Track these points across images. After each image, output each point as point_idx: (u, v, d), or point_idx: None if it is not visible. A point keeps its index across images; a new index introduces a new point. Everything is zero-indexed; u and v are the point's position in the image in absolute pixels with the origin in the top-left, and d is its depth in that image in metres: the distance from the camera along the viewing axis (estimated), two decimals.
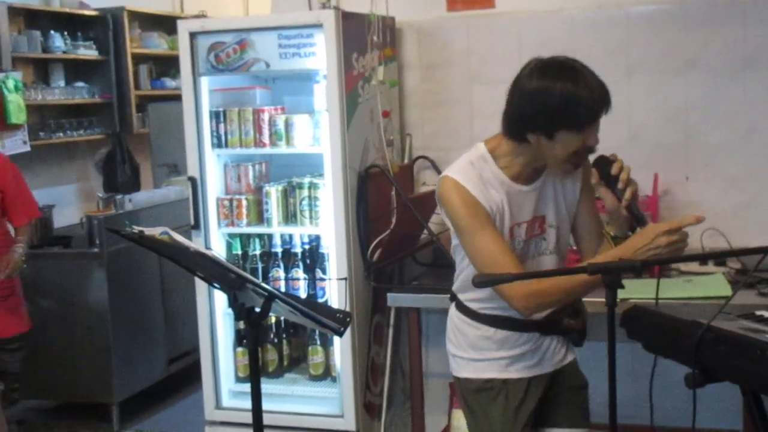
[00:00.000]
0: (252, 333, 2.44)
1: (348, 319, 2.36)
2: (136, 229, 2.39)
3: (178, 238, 2.34)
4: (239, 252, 4.43)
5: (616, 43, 4.23)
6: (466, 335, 2.80)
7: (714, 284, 3.65)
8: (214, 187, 4.38)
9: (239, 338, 2.49)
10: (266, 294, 2.33)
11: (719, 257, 3.88)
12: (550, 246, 2.74)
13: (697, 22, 4.11)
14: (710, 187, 4.16)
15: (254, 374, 2.51)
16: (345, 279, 3.98)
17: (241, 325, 2.45)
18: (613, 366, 2.35)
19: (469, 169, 2.63)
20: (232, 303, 2.46)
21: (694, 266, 3.97)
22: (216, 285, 2.60)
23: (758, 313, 2.59)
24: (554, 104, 2.46)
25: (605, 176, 2.59)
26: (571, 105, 2.45)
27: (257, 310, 2.45)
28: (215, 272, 2.48)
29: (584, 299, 2.83)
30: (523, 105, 2.54)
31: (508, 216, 2.64)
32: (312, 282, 4.35)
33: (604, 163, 2.60)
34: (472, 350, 2.79)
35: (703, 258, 3.71)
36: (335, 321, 2.36)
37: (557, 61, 2.54)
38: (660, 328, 2.47)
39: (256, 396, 2.48)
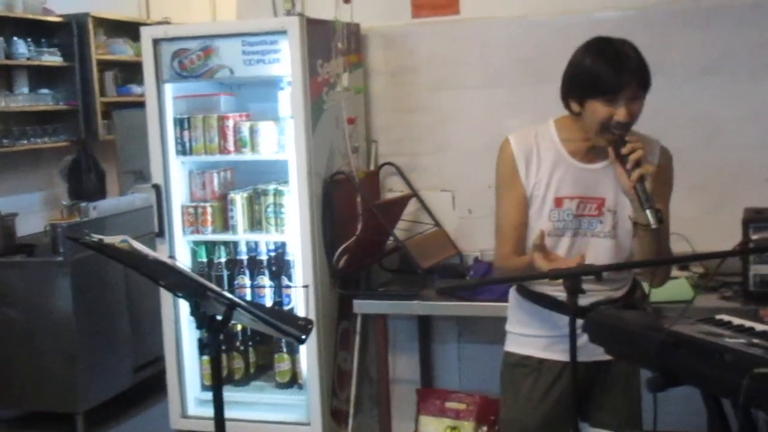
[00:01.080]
0: (214, 341, 2.42)
1: (309, 327, 2.35)
2: (96, 237, 2.36)
3: (138, 246, 2.32)
4: (204, 259, 4.41)
5: None
6: (516, 311, 2.91)
7: (677, 289, 3.67)
8: (178, 195, 4.36)
9: (200, 347, 2.46)
10: (227, 302, 2.31)
11: (682, 262, 3.91)
12: (606, 229, 2.77)
13: (659, 29, 4.14)
14: (674, 192, 4.17)
15: (216, 383, 2.49)
16: (306, 287, 3.97)
17: (203, 333, 2.43)
18: (574, 370, 2.36)
19: (529, 134, 2.80)
20: (194, 311, 2.44)
21: None
22: (177, 293, 2.58)
23: (718, 317, 2.60)
24: (581, 71, 2.64)
25: (619, 156, 2.62)
26: (593, 73, 2.60)
27: (219, 318, 2.43)
28: (176, 280, 2.46)
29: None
30: (565, 73, 2.74)
31: (555, 186, 2.74)
32: (278, 289, 4.33)
33: (621, 142, 2.62)
34: (518, 325, 2.90)
35: (665, 263, 3.73)
36: (297, 328, 2.35)
37: (602, 37, 2.70)
38: (621, 333, 2.47)
39: (219, 405, 2.46)
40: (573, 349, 2.35)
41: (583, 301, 2.62)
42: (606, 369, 2.84)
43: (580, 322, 2.57)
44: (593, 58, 2.63)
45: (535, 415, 2.87)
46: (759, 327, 2.47)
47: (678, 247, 4.03)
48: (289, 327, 2.34)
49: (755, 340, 2.28)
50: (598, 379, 2.87)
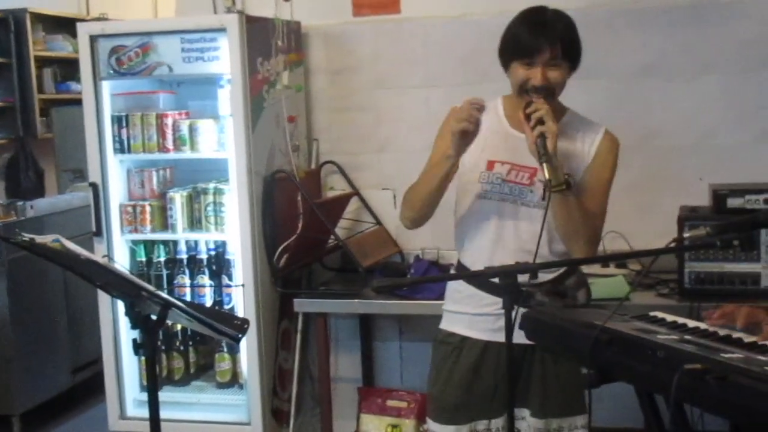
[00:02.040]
0: (149, 341, 2.40)
1: (246, 326, 2.33)
2: (27, 236, 2.32)
3: (71, 246, 2.29)
4: (143, 259, 4.36)
5: None
6: (451, 286, 2.96)
7: (615, 286, 3.71)
8: (117, 193, 4.30)
9: (135, 347, 2.43)
10: (161, 302, 2.29)
11: (617, 259, 3.97)
12: (535, 199, 2.78)
13: (598, 30, 4.18)
14: (612, 190, 4.23)
15: (152, 384, 2.46)
16: (242, 286, 3.95)
17: (137, 334, 2.40)
18: (510, 367, 2.37)
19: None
20: (129, 311, 2.41)
21: (596, 268, 4.04)
22: (112, 293, 2.55)
23: (652, 314, 2.64)
24: (507, 34, 2.78)
25: (526, 116, 2.67)
26: (515, 34, 2.73)
27: (154, 318, 2.40)
28: (109, 280, 2.42)
29: None
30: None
31: (489, 150, 2.81)
32: (218, 288, 4.30)
33: (528, 104, 2.68)
34: (449, 301, 2.96)
35: (602, 260, 3.79)
36: (233, 328, 2.33)
37: (537, 5, 2.83)
38: (557, 330, 2.49)
39: (154, 406, 2.43)
40: (509, 338, 2.36)
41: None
42: (532, 351, 2.85)
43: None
44: (519, 21, 2.77)
45: (456, 393, 2.88)
46: (691, 323, 2.51)
47: (615, 244, 4.11)
48: (225, 327, 2.32)
49: (687, 337, 2.32)
50: (526, 362, 2.87)
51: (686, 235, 2.45)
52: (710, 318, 2.46)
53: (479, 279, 2.80)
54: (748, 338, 2.35)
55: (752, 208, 3.52)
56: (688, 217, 3.57)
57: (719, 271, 3.52)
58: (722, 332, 2.41)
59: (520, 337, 2.64)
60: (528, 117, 2.66)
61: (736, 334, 2.39)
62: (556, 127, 2.64)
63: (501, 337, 2.64)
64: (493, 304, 2.77)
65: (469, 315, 2.87)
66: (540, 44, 2.67)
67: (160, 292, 2.33)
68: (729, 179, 3.94)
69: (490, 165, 2.81)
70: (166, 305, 2.30)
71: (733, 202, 3.61)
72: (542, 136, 2.61)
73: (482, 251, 2.85)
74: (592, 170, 2.81)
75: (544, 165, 2.60)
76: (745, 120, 4.08)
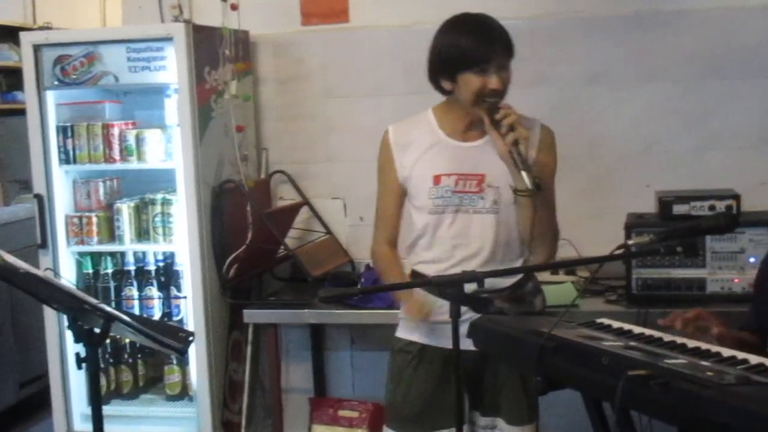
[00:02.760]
0: (92, 355, 2.36)
1: (190, 339, 2.30)
2: None
3: (10, 259, 2.24)
4: (90, 271, 4.31)
5: None
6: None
7: (564, 293, 3.73)
8: (62, 205, 4.24)
9: (78, 361, 2.39)
10: (104, 315, 2.25)
11: (562, 266, 3.99)
12: (487, 205, 2.80)
13: (545, 39, 4.22)
14: (560, 198, 4.22)
15: (95, 398, 2.42)
16: (185, 297, 3.91)
17: (80, 348, 2.36)
18: (457, 374, 2.37)
19: (408, 123, 2.95)
20: (71, 325, 2.37)
21: (545, 275, 4.06)
22: (53, 307, 2.51)
23: (598, 320, 2.66)
24: (450, 48, 2.75)
25: (494, 122, 2.68)
26: (463, 46, 2.72)
27: (97, 331, 2.37)
28: (50, 294, 2.38)
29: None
30: (430, 54, 2.84)
31: (432, 165, 2.82)
32: (166, 300, 4.25)
33: (495, 109, 2.69)
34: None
35: (551, 267, 3.80)
36: (177, 340, 2.30)
37: (462, 13, 2.84)
38: (504, 338, 2.50)
39: (98, 421, 2.39)
40: (456, 346, 2.35)
41: (469, 287, 2.61)
42: (483, 359, 2.86)
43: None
44: (459, 33, 2.76)
45: (418, 403, 2.89)
46: (637, 330, 2.52)
47: (564, 251, 4.10)
48: (170, 339, 2.29)
49: (632, 343, 2.34)
50: (488, 368, 2.88)
51: (630, 242, 2.47)
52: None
53: (439, 287, 2.77)
54: (692, 343, 2.38)
55: (697, 215, 3.56)
56: (634, 224, 3.61)
57: (666, 277, 3.56)
58: (667, 338, 2.43)
59: None
60: (496, 122, 2.67)
61: (680, 340, 2.41)
62: (527, 132, 2.67)
63: (464, 345, 2.65)
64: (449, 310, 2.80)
65: (429, 323, 2.86)
66: (493, 51, 2.70)
67: (103, 305, 2.30)
68: (675, 186, 3.99)
69: (437, 179, 2.82)
70: (109, 318, 2.27)
71: (678, 209, 3.65)
72: (516, 143, 2.63)
73: (441, 262, 2.86)
74: (539, 164, 2.81)
75: (523, 173, 2.60)
76: (690, 127, 4.13)
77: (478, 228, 2.81)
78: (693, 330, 2.45)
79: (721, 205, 3.59)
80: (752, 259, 3.45)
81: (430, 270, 2.86)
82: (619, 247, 2.46)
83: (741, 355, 2.23)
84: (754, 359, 2.19)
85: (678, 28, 4.09)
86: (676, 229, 2.45)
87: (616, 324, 2.61)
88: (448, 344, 2.80)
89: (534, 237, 2.79)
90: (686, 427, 1.95)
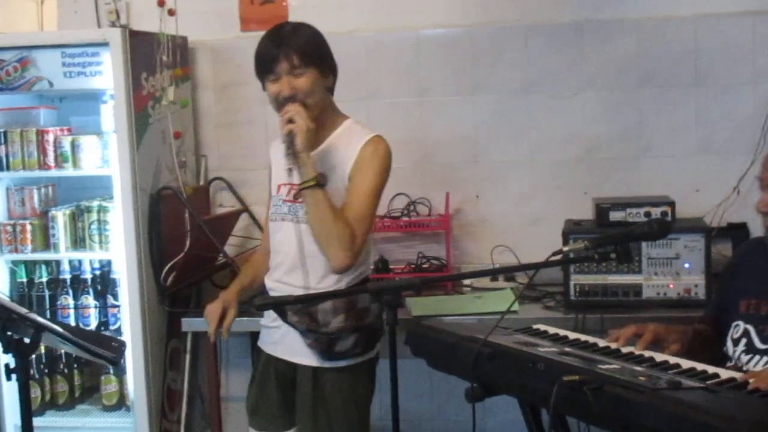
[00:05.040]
0: (22, 366, 2.31)
1: (123, 348, 2.27)
2: None
3: None
4: (24, 279, 4.22)
5: (407, 65, 4.31)
6: None
7: (503, 299, 3.76)
8: None
9: (7, 372, 2.34)
10: (34, 325, 2.21)
11: (503, 272, 4.02)
12: (300, 213, 2.86)
13: (483, 47, 4.25)
14: (499, 205, 4.30)
15: (25, 410, 2.37)
16: (118, 306, 3.86)
17: (9, 358, 2.31)
18: (395, 383, 2.37)
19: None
20: (0, 334, 2.32)
21: (485, 282, 4.09)
22: None
23: (535, 326, 2.69)
24: (254, 59, 2.89)
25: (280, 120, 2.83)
26: (256, 56, 2.89)
27: (27, 341, 2.32)
28: None
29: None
30: None
31: (276, 174, 2.97)
32: (103, 309, 4.19)
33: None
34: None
35: (488, 274, 3.83)
36: (110, 350, 2.26)
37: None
38: (441, 345, 2.51)
39: None
40: (393, 362, 2.35)
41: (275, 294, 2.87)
42: (301, 372, 2.93)
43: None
44: (258, 44, 2.89)
45: (254, 404, 3.08)
46: (572, 335, 2.56)
47: (503, 257, 4.17)
48: (102, 349, 2.25)
49: (567, 349, 2.37)
50: (301, 381, 2.94)
51: (566, 248, 2.49)
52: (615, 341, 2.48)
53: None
54: (626, 349, 2.41)
55: (633, 222, 3.60)
56: (571, 230, 3.64)
57: (603, 283, 3.59)
58: (602, 343, 2.46)
59: (288, 354, 2.88)
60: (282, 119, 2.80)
61: (614, 345, 2.45)
62: (305, 125, 2.72)
63: (278, 352, 2.92)
64: (269, 315, 2.98)
65: (262, 328, 3.08)
66: (276, 56, 2.78)
67: (32, 315, 2.25)
68: (612, 193, 4.05)
69: (278, 189, 2.94)
70: (39, 328, 2.22)
71: (615, 216, 3.70)
72: (290, 133, 2.72)
73: (276, 271, 2.95)
74: (352, 175, 2.84)
75: (291, 159, 2.72)
76: (626, 135, 4.18)
77: (307, 237, 2.84)
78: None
79: (656, 212, 3.64)
80: (687, 265, 3.50)
81: (269, 281, 2.99)
82: (554, 254, 2.48)
83: (673, 359, 2.27)
84: (685, 364, 2.23)
85: (614, 37, 4.15)
86: (610, 235, 2.48)
87: (552, 330, 2.64)
88: (269, 349, 3.01)
89: (315, 235, 2.80)
90: (619, 431, 1.97)
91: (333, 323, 2.84)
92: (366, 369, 2.93)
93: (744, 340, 2.44)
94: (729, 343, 2.49)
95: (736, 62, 4.07)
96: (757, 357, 2.38)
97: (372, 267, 3.68)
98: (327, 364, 2.87)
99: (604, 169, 4.21)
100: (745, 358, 2.42)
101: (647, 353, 2.35)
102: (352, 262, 2.78)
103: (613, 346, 2.43)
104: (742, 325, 2.47)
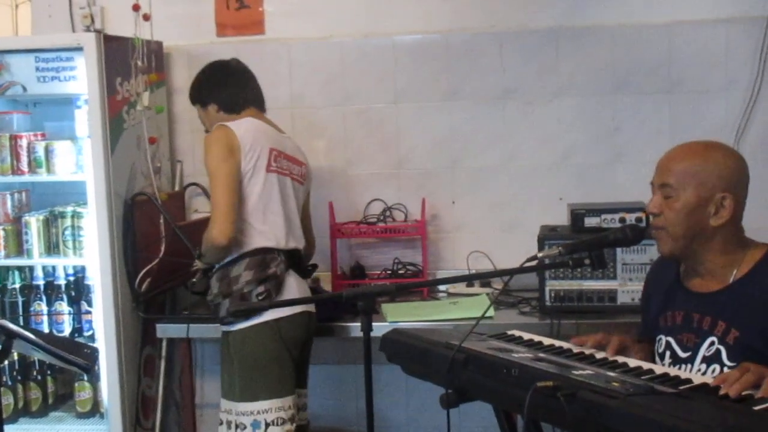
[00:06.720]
0: None
1: (96, 355, 2.25)
2: None
3: None
4: None
5: (383, 71, 4.32)
6: None
7: (478, 305, 3.76)
8: None
9: None
10: (4, 332, 2.19)
11: (478, 278, 4.03)
12: None
13: (460, 53, 4.26)
14: (475, 211, 4.31)
15: None
16: (90, 312, 3.83)
17: None
18: (369, 389, 2.36)
19: None
20: None
21: (461, 287, 4.09)
22: None
23: (510, 332, 2.69)
24: None
25: None
26: None
27: None
28: None
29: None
30: None
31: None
32: (77, 315, 4.16)
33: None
34: None
35: (464, 279, 3.83)
36: (82, 357, 2.25)
37: None
38: (416, 351, 2.50)
39: None
40: (368, 368, 2.34)
41: None
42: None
43: None
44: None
45: None
46: (547, 341, 2.56)
47: (479, 263, 4.18)
48: (74, 356, 2.24)
49: (542, 355, 2.36)
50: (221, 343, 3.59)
51: (540, 254, 2.49)
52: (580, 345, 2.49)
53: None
54: (600, 354, 2.41)
55: (608, 227, 3.62)
56: (547, 236, 3.65)
57: (578, 289, 3.60)
58: (576, 349, 2.47)
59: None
60: None
61: (588, 351, 2.45)
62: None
63: None
64: None
65: None
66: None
67: (3, 321, 2.23)
68: (587, 199, 4.06)
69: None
70: (10, 335, 2.20)
71: (590, 221, 3.71)
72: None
73: None
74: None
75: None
76: (601, 141, 4.20)
77: None
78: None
79: (631, 218, 3.66)
80: None
81: None
82: (529, 260, 2.48)
83: (646, 365, 2.27)
84: (658, 369, 2.23)
85: (589, 43, 4.17)
86: (584, 241, 2.49)
87: (526, 336, 2.64)
88: None
89: None
90: None
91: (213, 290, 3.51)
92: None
93: (668, 353, 2.45)
94: (657, 359, 2.50)
95: (709, 69, 4.11)
96: (683, 366, 2.38)
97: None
98: (223, 329, 3.52)
99: (579, 175, 4.23)
100: (673, 370, 2.43)
101: (621, 359, 2.35)
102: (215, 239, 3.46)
103: (580, 349, 2.44)
104: (663, 338, 2.48)
